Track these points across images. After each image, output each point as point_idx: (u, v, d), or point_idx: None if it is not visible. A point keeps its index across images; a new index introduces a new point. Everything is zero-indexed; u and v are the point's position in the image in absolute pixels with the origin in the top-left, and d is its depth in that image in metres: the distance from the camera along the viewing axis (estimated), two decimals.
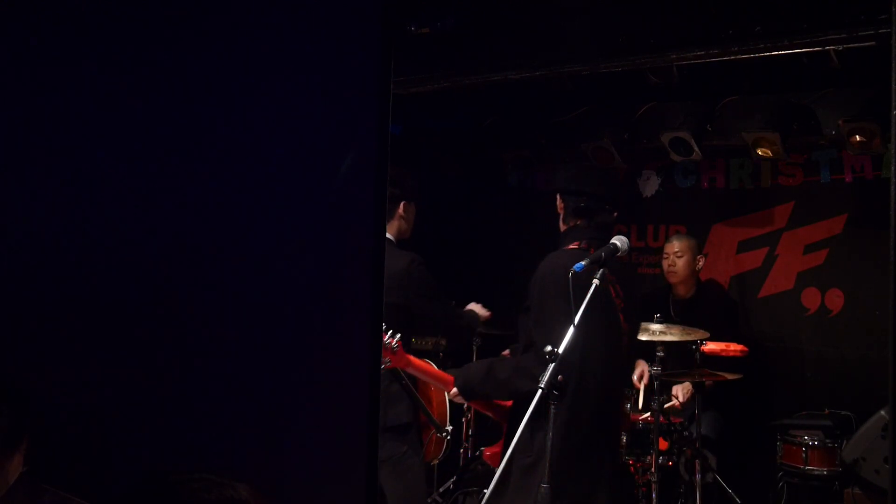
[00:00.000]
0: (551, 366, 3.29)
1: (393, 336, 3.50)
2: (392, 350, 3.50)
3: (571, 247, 3.45)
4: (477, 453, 4.38)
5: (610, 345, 3.28)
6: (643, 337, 4.20)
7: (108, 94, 2.59)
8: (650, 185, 5.77)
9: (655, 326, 4.22)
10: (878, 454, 4.29)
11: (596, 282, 3.43)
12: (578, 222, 3.49)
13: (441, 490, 5.27)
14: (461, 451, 5.17)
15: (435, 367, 3.78)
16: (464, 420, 5.16)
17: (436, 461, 4.10)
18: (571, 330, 3.41)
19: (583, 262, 3.45)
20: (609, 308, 3.29)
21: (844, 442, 4.45)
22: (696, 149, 5.05)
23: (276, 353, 2.49)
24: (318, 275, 2.45)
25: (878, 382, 4.51)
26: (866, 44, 3.53)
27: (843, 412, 4.69)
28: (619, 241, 3.60)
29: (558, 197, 3.56)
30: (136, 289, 2.55)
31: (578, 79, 5.22)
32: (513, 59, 4.31)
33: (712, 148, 5.24)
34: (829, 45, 3.80)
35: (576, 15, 4.04)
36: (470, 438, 5.16)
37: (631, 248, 4.17)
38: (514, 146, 6.07)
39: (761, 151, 4.88)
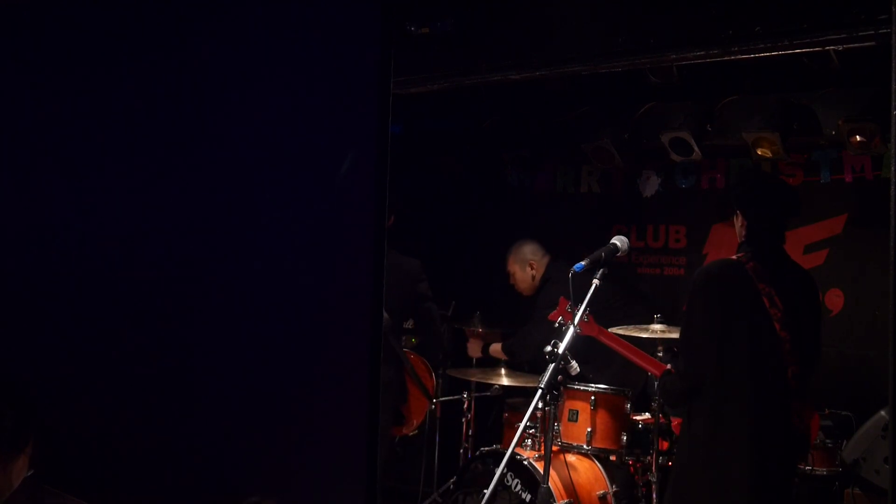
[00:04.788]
0: (551, 366, 3.30)
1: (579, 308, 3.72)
2: (583, 319, 3.72)
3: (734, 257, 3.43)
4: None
5: (758, 353, 3.24)
6: (643, 335, 4.22)
7: (108, 94, 2.59)
8: (650, 185, 5.77)
9: (656, 326, 4.23)
10: (878, 454, 4.29)
11: (596, 282, 3.44)
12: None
13: (441, 490, 5.26)
14: (461, 451, 5.16)
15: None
16: (464, 420, 5.15)
17: (414, 432, 4.98)
18: (571, 330, 3.42)
19: (583, 263, 3.46)
20: (755, 316, 3.24)
21: (844, 442, 4.44)
22: (696, 149, 5.05)
23: (277, 353, 2.49)
24: (319, 274, 2.45)
25: (878, 382, 4.51)
26: (866, 44, 3.53)
27: (843, 412, 4.69)
28: (618, 240, 3.60)
29: (739, 214, 3.44)
30: (138, 288, 2.55)
31: (578, 79, 5.22)
32: (513, 59, 4.31)
33: (712, 148, 5.23)
34: (829, 45, 3.79)
35: (576, 15, 4.03)
36: (470, 438, 5.15)
37: (631, 248, 4.16)
38: (514, 146, 6.06)
39: (761, 151, 4.88)
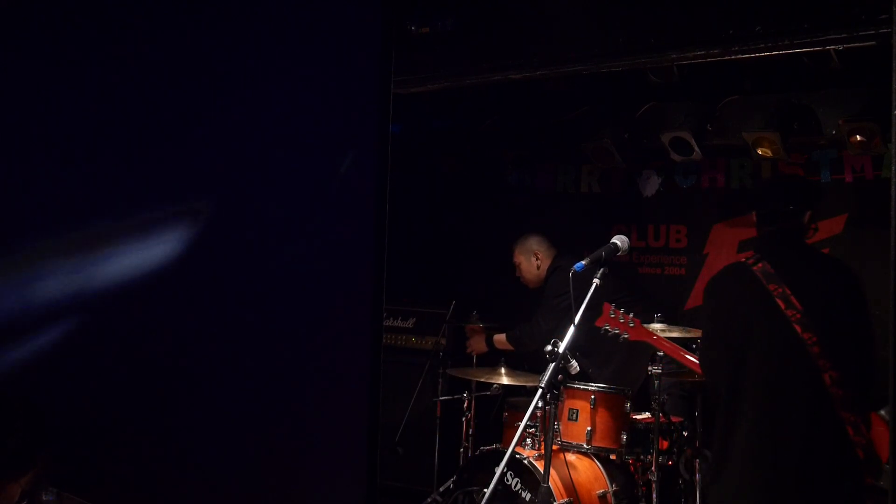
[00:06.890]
0: (551, 365, 3.30)
1: (627, 314, 4.05)
2: (629, 325, 3.96)
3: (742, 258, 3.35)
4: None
5: (777, 362, 3.05)
6: None
7: (107, 93, 2.59)
8: (650, 185, 5.77)
9: (656, 325, 4.23)
10: None
11: (596, 281, 3.44)
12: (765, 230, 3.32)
13: (441, 490, 5.26)
14: (461, 450, 5.17)
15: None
16: (464, 419, 5.16)
17: None
18: (572, 329, 3.42)
19: (583, 262, 3.46)
20: (768, 320, 3.07)
21: None
22: (696, 148, 5.05)
23: (277, 353, 2.49)
24: (319, 274, 2.46)
25: (878, 382, 4.51)
26: (866, 44, 3.54)
27: None
28: (619, 240, 3.60)
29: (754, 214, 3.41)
30: (137, 287, 2.55)
31: (578, 79, 5.22)
32: (513, 59, 4.31)
33: (712, 148, 5.24)
34: (829, 45, 3.80)
35: (576, 15, 4.04)
36: (470, 438, 5.16)
37: (631, 248, 4.16)
38: (514, 146, 6.07)
39: (761, 151, 4.88)
